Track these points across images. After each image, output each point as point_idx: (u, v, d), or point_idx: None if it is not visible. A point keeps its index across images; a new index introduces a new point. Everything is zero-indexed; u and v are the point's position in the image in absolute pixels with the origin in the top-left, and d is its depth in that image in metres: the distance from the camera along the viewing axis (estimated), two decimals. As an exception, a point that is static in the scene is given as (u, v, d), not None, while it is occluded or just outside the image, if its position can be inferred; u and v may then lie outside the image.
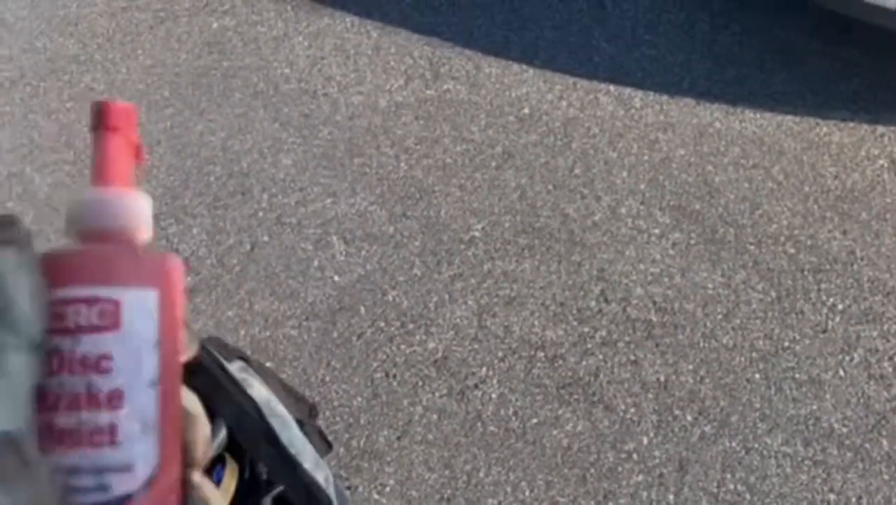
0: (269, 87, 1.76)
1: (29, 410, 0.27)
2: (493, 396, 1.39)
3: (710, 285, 1.52)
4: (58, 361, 0.30)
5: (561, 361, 1.43)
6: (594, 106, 1.75)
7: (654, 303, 1.50)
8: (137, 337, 0.31)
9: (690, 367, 1.43)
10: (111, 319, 0.31)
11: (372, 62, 1.81)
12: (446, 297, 1.49)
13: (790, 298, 1.52)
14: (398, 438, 1.35)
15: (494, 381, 1.41)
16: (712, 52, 1.84)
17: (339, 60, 1.81)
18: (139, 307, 0.31)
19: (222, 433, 1.10)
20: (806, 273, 1.55)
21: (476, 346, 1.44)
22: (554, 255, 1.54)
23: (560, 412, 1.38)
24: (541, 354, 1.43)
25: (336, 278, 1.51)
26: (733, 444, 1.37)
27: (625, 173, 1.65)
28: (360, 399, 1.38)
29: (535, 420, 1.37)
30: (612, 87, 1.77)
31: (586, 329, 1.46)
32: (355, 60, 1.81)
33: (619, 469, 1.33)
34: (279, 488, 1.07)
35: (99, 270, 0.31)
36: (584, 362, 1.43)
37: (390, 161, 1.66)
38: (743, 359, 1.45)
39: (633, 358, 1.44)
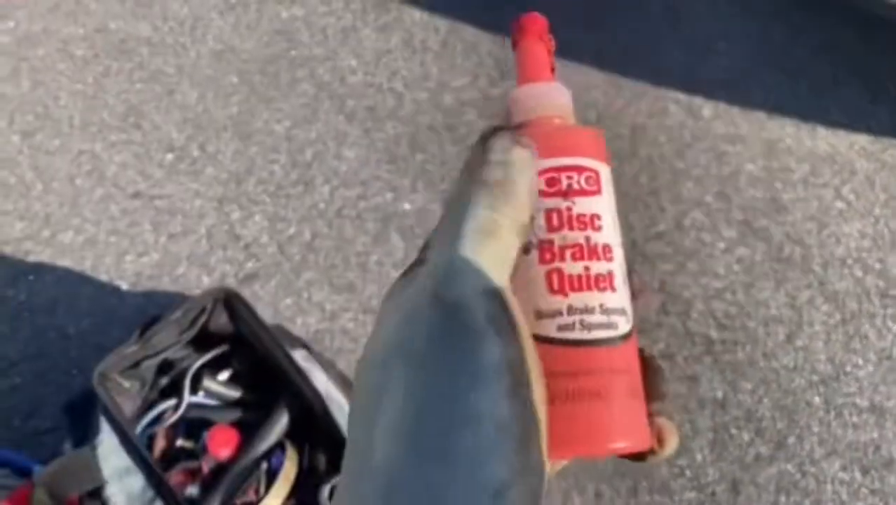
0: (335, 79, 1.77)
1: (509, 278, 0.32)
2: (547, 402, 1.38)
3: (774, 304, 1.49)
4: (557, 217, 0.35)
5: (617, 372, 1.41)
6: (663, 114, 1.72)
7: (715, 319, 1.47)
8: (610, 203, 0.37)
9: (749, 386, 1.41)
10: (596, 185, 0.37)
11: (438, 58, 1.80)
12: (503, 299, 1.48)
13: (855, 321, 1.48)
14: (449, 438, 1.34)
15: (549, 387, 1.39)
16: (786, 66, 1.80)
17: (406, 55, 1.81)
18: (606, 178, 0.37)
19: (284, 420, 1.10)
20: (872, 297, 1.51)
21: (531, 350, 1.43)
22: (614, 263, 1.53)
23: (614, 423, 1.36)
24: (597, 363, 1.42)
25: (393, 274, 1.51)
26: (789, 466, 1.34)
27: (691, 184, 1.63)
28: (413, 396, 1.38)
29: (588, 429, 1.36)
30: (681, 96, 1.74)
31: (645, 341, 1.44)
32: (422, 56, 1.81)
33: (672, 484, 1.31)
34: (338, 477, 1.07)
35: (581, 143, 0.37)
36: (640, 374, 1.41)
37: (452, 159, 1.66)
38: (803, 381, 1.42)
39: (690, 373, 1.41)
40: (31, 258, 1.50)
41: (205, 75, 1.76)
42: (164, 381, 1.12)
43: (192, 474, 1.08)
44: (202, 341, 1.13)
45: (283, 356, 1.09)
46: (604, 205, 0.36)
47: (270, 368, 1.11)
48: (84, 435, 1.20)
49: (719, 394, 1.40)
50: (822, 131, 1.70)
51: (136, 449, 0.99)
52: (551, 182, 0.36)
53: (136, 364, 1.08)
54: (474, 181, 0.33)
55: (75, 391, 1.35)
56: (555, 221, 0.35)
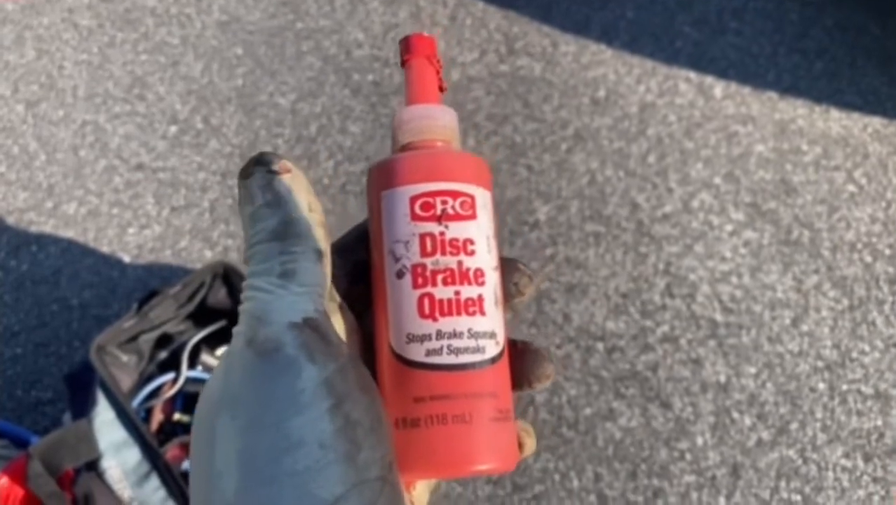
0: (341, 53, 1.74)
1: (323, 302, 0.33)
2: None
3: (780, 288, 1.47)
4: (430, 242, 0.36)
5: (619, 354, 1.40)
6: (673, 93, 1.69)
7: (721, 302, 1.45)
8: (486, 227, 0.38)
9: (753, 370, 1.39)
10: (471, 210, 0.37)
11: (446, 33, 1.78)
12: (507, 278, 1.47)
13: (862, 307, 1.46)
14: (449, 417, 1.34)
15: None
16: (801, 46, 1.76)
17: (414, 28, 1.78)
18: (482, 203, 0.38)
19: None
20: (881, 283, 1.49)
21: (534, 330, 1.42)
22: (620, 244, 1.51)
23: (615, 405, 1.36)
24: (599, 345, 1.41)
25: (397, 251, 1.50)
26: (790, 452, 1.33)
27: (700, 165, 1.60)
28: (413, 374, 1.38)
29: (588, 410, 1.35)
30: (692, 75, 1.71)
31: (648, 323, 1.43)
32: (429, 30, 1.78)
33: (671, 468, 1.30)
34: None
35: (457, 168, 0.38)
36: (643, 357, 1.40)
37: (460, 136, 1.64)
38: (808, 367, 1.40)
39: (694, 356, 1.40)
40: (34, 229, 1.50)
41: (210, 46, 1.74)
42: (162, 355, 1.12)
43: (189, 449, 1.08)
44: (201, 316, 1.13)
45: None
46: (478, 229, 0.37)
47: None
48: (83, 407, 1.21)
49: (722, 378, 1.38)
50: (835, 113, 1.67)
51: (132, 423, 0.99)
52: (426, 207, 0.37)
53: (134, 338, 1.08)
54: (254, 225, 0.34)
55: (76, 363, 1.36)
56: (428, 246, 0.36)
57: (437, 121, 0.40)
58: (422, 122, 0.40)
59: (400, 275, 0.36)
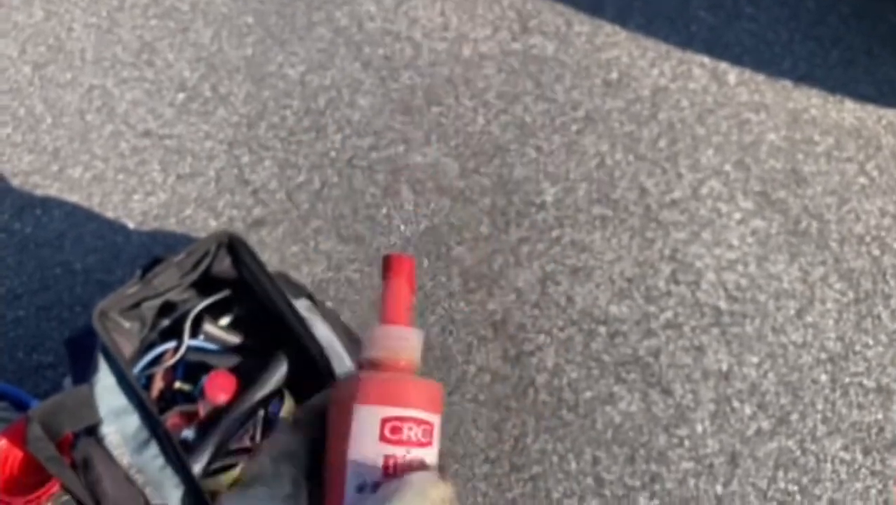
0: (353, 24, 1.72)
1: None
2: (549, 364, 1.37)
3: (786, 278, 1.46)
4: (393, 464, 0.41)
5: (622, 339, 1.40)
6: (686, 77, 1.67)
7: (726, 290, 1.45)
8: (436, 452, 0.44)
9: (755, 359, 1.39)
10: (430, 437, 0.43)
11: (459, 8, 1.76)
12: (511, 259, 1.46)
13: (868, 301, 1.46)
14: (449, 394, 1.34)
15: (552, 350, 1.38)
16: (816, 33, 1.74)
17: (426, 3, 1.76)
18: (437, 429, 0.44)
19: (283, 368, 1.10)
20: (888, 277, 1.48)
21: (536, 312, 1.42)
22: (627, 228, 1.50)
23: (615, 389, 1.35)
24: (602, 329, 1.40)
25: (402, 228, 1.49)
26: (790, 443, 1.33)
27: (710, 152, 1.59)
28: (414, 351, 1.37)
29: (588, 394, 1.35)
30: (706, 60, 1.69)
31: (652, 309, 1.43)
32: (442, 5, 1.76)
33: (670, 454, 1.30)
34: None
35: (424, 397, 0.44)
36: (645, 342, 1.39)
37: (468, 113, 1.62)
38: (810, 358, 1.40)
39: (696, 344, 1.40)
40: (39, 192, 1.49)
41: (220, 13, 1.72)
42: (164, 322, 1.12)
43: (189, 418, 1.08)
44: (204, 285, 1.12)
45: (285, 304, 1.07)
46: (432, 455, 0.43)
47: (272, 315, 1.10)
48: (84, 373, 1.20)
49: (724, 366, 1.38)
50: (849, 104, 1.65)
51: (132, 389, 0.99)
52: (394, 430, 0.42)
53: (137, 304, 1.08)
54: None
55: (78, 328, 1.35)
56: (390, 467, 0.41)
57: (407, 342, 0.46)
58: (393, 342, 0.46)
59: (360, 489, 0.41)
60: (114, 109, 1.59)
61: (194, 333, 1.11)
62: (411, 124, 1.61)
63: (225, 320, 1.15)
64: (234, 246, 1.10)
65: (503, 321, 1.41)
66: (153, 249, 1.44)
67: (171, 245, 1.45)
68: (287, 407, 1.07)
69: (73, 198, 1.49)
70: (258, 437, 1.08)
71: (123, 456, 0.98)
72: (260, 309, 1.13)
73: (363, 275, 1.45)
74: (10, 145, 1.54)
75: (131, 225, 1.47)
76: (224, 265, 1.11)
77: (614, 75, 1.68)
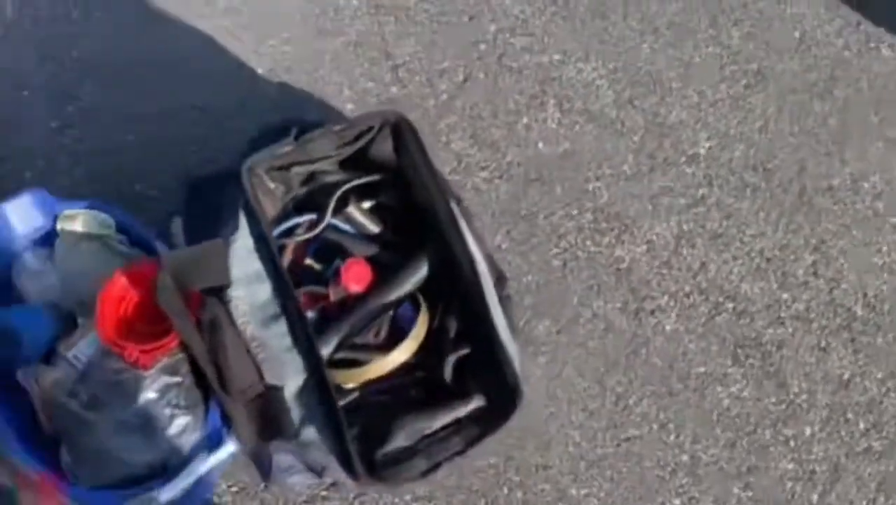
0: None
1: None
2: (668, 328, 1.29)
3: (932, 299, 1.36)
4: None
5: (748, 319, 1.31)
6: (872, 56, 1.52)
7: (865, 294, 1.35)
8: None
9: (880, 375, 1.30)
10: None
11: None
12: (650, 207, 1.36)
13: None
14: (558, 333, 1.26)
15: (673, 313, 1.30)
16: None
17: None
18: None
19: (423, 270, 1.01)
20: None
21: (665, 271, 1.32)
22: (776, 204, 1.39)
23: (730, 371, 1.27)
24: (729, 305, 1.31)
25: (540, 145, 1.38)
26: None
27: (880, 144, 1.46)
28: (530, 279, 1.29)
29: (702, 368, 1.27)
30: (901, 43, 1.54)
31: (785, 296, 1.33)
32: None
33: (772, 450, 1.24)
34: (465, 351, 0.99)
35: None
36: (771, 330, 1.31)
37: (633, 36, 1.48)
38: (934, 387, 1.32)
39: (823, 344, 1.31)
40: (171, 8, 1.37)
41: None
42: (306, 191, 1.02)
43: (315, 300, 1.00)
44: (355, 163, 1.02)
45: (444, 203, 0.98)
46: None
47: (423, 211, 1.01)
48: (204, 222, 1.12)
49: (847, 374, 1.30)
50: None
51: (271, 256, 0.90)
52: None
53: (287, 167, 0.98)
54: None
55: (189, 167, 1.26)
56: None
57: None
58: None
59: None
60: None
61: (337, 211, 1.02)
62: (571, 33, 1.47)
63: (367, 204, 1.06)
64: (400, 129, 1.00)
65: (628, 271, 1.31)
66: (279, 103, 1.33)
67: (298, 103, 1.34)
68: (422, 318, 0.99)
69: (204, 25, 1.37)
70: (382, 335, 1.01)
71: (247, 326, 0.91)
72: (409, 201, 1.03)
73: (491, 186, 1.34)
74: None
75: (260, 70, 1.35)
76: (384, 147, 1.01)
77: (797, 34, 1.53)
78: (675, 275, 1.32)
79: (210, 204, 1.13)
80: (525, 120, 1.39)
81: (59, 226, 0.98)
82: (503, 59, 1.43)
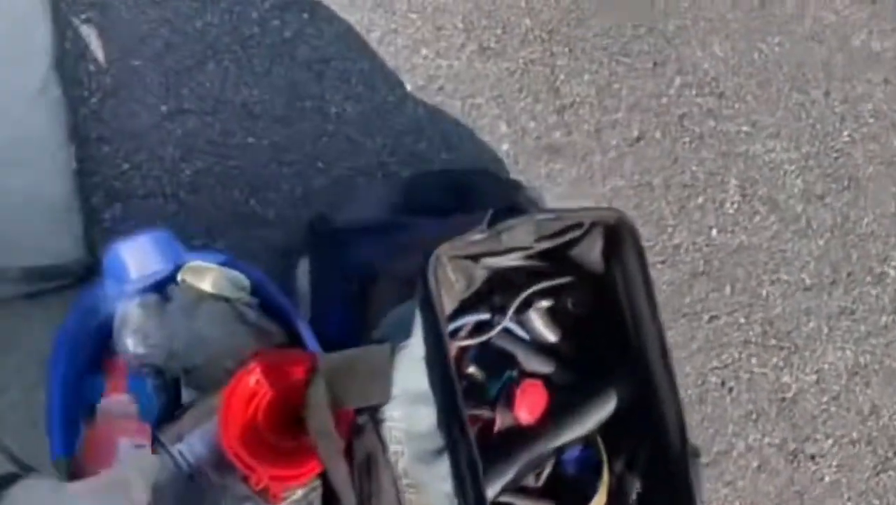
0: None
1: None
2: (827, 478, 1.11)
3: None
4: None
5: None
6: None
7: None
8: None
9: None
10: None
11: (862, -22, 1.36)
12: (825, 329, 1.17)
13: None
14: (707, 465, 1.08)
15: (835, 462, 1.12)
16: None
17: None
18: None
19: (609, 408, 0.82)
20: None
21: (833, 409, 1.14)
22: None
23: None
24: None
25: (714, 232, 1.19)
26: None
27: None
28: (682, 393, 1.10)
29: (860, 535, 1.09)
30: None
31: None
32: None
33: None
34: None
35: None
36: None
37: (834, 119, 1.28)
38: None
39: None
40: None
41: None
42: (484, 286, 0.83)
43: (472, 421, 0.81)
44: (548, 257, 0.82)
45: (656, 332, 0.79)
46: None
47: (621, 331, 0.81)
48: (324, 266, 0.94)
49: None
50: None
51: (448, 375, 0.71)
52: None
53: (475, 257, 0.78)
54: None
55: (313, 189, 1.07)
56: None
57: None
58: None
59: None
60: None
61: (517, 313, 0.82)
62: (765, 102, 1.26)
63: (545, 303, 0.86)
64: (617, 233, 0.80)
65: (793, 402, 1.13)
66: (424, 128, 1.13)
67: (446, 132, 1.14)
68: (604, 479, 0.80)
69: (351, 18, 1.15)
70: (544, 478, 0.82)
71: (399, 458, 0.72)
72: (604, 318, 0.84)
73: (652, 270, 1.14)
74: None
75: (408, 84, 1.14)
76: (591, 249, 0.81)
77: None
78: (842, 416, 1.13)
79: (339, 257, 0.95)
80: (700, 199, 1.19)
81: (180, 276, 0.78)
82: (684, 120, 1.22)
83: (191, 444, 0.72)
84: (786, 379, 1.13)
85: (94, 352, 0.79)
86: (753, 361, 1.13)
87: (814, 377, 1.14)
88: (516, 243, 0.79)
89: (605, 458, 0.81)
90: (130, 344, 0.77)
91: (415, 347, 0.73)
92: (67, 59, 1.06)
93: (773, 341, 1.15)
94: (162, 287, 0.80)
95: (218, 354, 0.78)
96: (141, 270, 0.76)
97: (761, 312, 1.16)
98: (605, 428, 0.83)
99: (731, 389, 1.12)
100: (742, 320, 1.15)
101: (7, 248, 0.90)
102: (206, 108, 1.08)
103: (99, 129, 1.05)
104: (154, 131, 1.06)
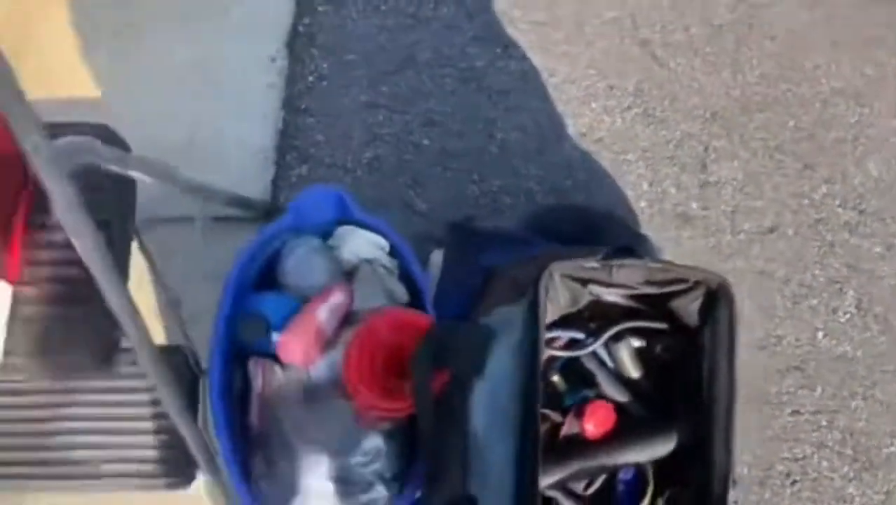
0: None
1: None
2: None
3: None
4: None
5: None
6: None
7: None
8: None
9: None
10: None
11: None
12: (908, 456, 1.18)
13: None
14: None
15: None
16: None
17: None
18: None
19: (668, 446, 0.90)
20: None
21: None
22: None
23: None
24: None
25: (820, 335, 1.23)
26: None
27: None
28: (745, 472, 1.16)
29: None
30: None
31: None
32: None
33: None
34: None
35: None
36: None
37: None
38: None
39: None
40: (510, 29, 1.31)
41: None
42: (586, 308, 0.94)
43: (543, 419, 0.92)
44: (648, 301, 0.93)
45: (728, 396, 0.87)
46: None
47: (696, 384, 0.90)
48: (455, 262, 1.08)
49: None
50: None
51: (534, 369, 0.82)
52: None
53: (584, 281, 0.90)
54: None
55: (465, 196, 1.21)
56: None
57: None
58: None
59: None
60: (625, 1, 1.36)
61: (609, 341, 0.93)
62: (905, 232, 1.29)
63: (636, 343, 0.96)
64: (717, 297, 0.89)
65: None
66: (575, 171, 1.26)
67: (592, 177, 1.26)
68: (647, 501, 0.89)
69: (537, 61, 1.30)
70: (593, 489, 0.92)
71: (477, 427, 0.84)
72: (684, 367, 0.93)
73: (751, 354, 1.21)
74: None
75: (570, 130, 1.28)
76: (690, 304, 0.91)
77: None
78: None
79: (471, 254, 1.08)
80: (815, 301, 1.24)
81: (340, 230, 0.95)
82: (820, 225, 1.28)
83: (319, 365, 0.87)
84: (851, 490, 1.16)
85: (262, 275, 0.96)
86: (824, 463, 1.17)
87: (882, 497, 1.17)
88: (624, 281, 0.91)
89: (650, 489, 0.90)
90: (290, 279, 0.94)
91: (509, 337, 0.85)
92: (299, 40, 1.28)
93: (850, 452, 1.18)
94: (327, 234, 0.97)
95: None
96: (314, 216, 0.94)
97: (845, 421, 1.19)
98: (660, 463, 0.91)
99: (794, 483, 1.16)
100: (824, 423, 1.19)
101: (216, 177, 1.10)
102: (396, 107, 1.26)
103: (307, 102, 1.25)
104: (350, 115, 1.25)
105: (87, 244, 0.52)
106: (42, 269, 0.71)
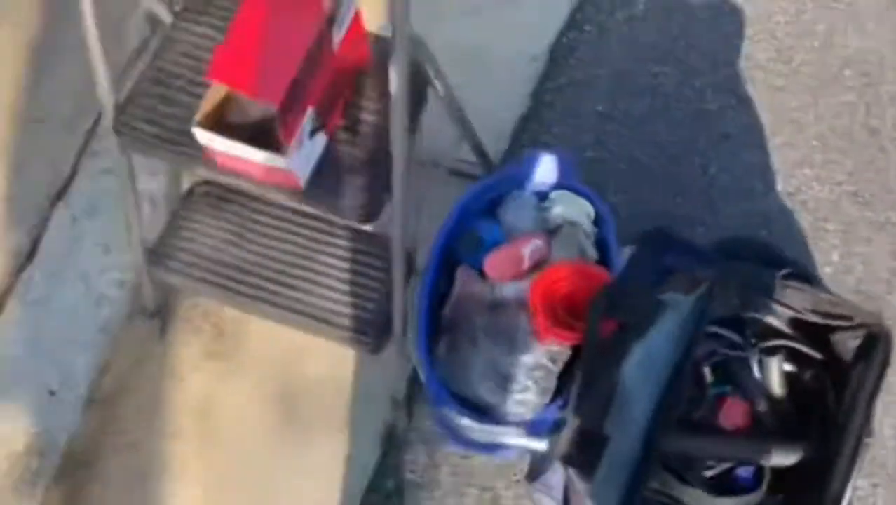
0: None
1: None
2: None
3: None
4: None
5: None
6: None
7: None
8: None
9: None
10: None
11: None
12: None
13: None
14: None
15: None
16: None
17: None
18: None
19: (789, 460, 0.99)
20: None
21: None
22: None
23: None
24: None
25: None
26: None
27: None
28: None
29: None
30: None
31: None
32: None
33: None
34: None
35: None
36: None
37: None
38: None
39: None
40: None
41: None
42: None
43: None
44: (808, 329, 1.02)
45: (856, 435, 0.94)
46: None
47: (831, 413, 0.98)
48: (643, 254, 1.20)
49: None
50: None
51: (689, 354, 0.94)
52: None
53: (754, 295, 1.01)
54: None
55: (665, 208, 1.33)
56: None
57: None
58: None
59: None
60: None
61: (760, 352, 1.03)
62: None
63: (788, 368, 1.05)
64: (875, 339, 0.97)
65: None
66: (770, 223, 1.35)
67: (784, 235, 1.34)
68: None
69: (755, 117, 1.42)
70: (710, 474, 1.02)
71: (625, 377, 0.97)
72: (826, 394, 1.01)
73: None
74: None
75: (779, 186, 1.38)
76: (848, 341, 0.99)
77: None
78: None
79: (661, 255, 1.21)
80: None
81: (556, 194, 1.12)
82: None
83: (510, 286, 1.04)
84: None
85: (486, 210, 1.14)
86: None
87: None
88: (792, 303, 1.01)
89: (763, 489, 0.98)
90: (508, 218, 1.12)
91: (679, 318, 0.98)
92: (561, 48, 1.47)
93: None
94: (544, 196, 1.14)
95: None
96: (542, 175, 1.12)
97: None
98: (778, 471, 0.99)
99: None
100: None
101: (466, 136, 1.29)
102: (626, 123, 1.42)
103: (552, 98, 1.44)
104: (585, 119, 1.42)
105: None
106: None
